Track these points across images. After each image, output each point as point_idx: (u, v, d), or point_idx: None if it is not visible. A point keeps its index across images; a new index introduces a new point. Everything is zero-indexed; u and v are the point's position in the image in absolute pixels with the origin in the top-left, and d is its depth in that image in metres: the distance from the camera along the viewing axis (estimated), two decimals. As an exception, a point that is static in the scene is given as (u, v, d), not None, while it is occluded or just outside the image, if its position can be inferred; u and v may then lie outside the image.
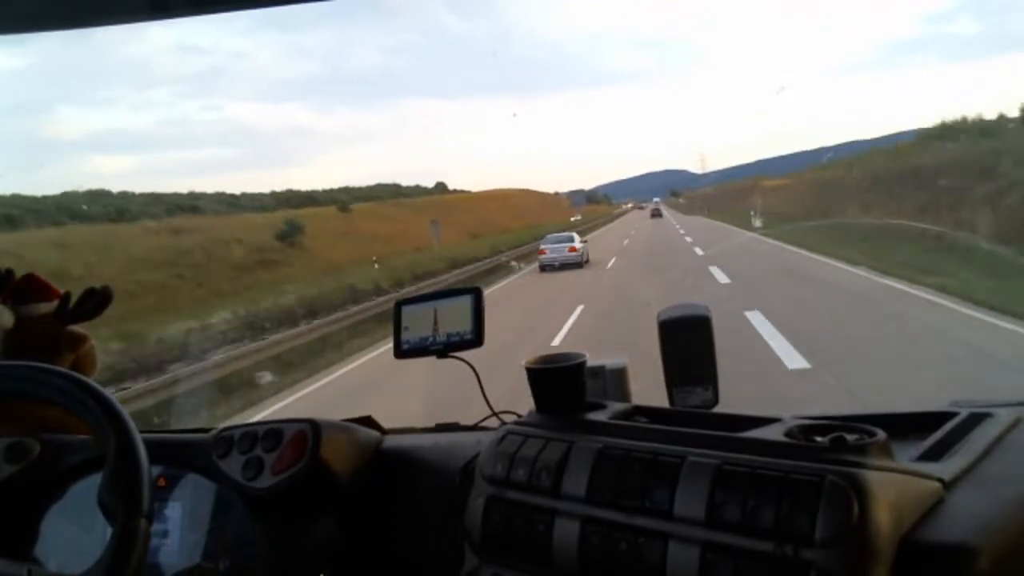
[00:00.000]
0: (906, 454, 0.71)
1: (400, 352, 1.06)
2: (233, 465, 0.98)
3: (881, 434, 0.66)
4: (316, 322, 12.13)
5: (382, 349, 9.15)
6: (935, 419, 0.80)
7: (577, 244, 19.50)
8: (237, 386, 8.22)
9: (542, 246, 19.86)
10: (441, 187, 63.19)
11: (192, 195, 34.14)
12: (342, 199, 40.35)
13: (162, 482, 1.04)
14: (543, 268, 19.06)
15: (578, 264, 18.75)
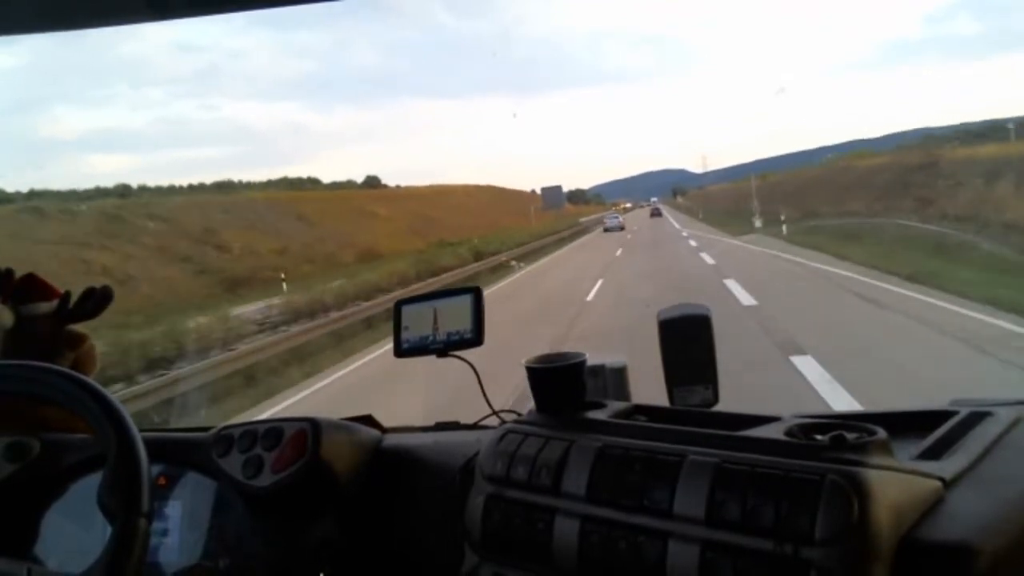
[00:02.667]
0: (906, 453, 0.71)
1: (400, 351, 1.06)
2: (233, 464, 0.98)
3: (881, 433, 0.66)
4: None
5: None
6: (935, 418, 0.80)
7: (620, 219, 42.25)
8: None
9: (605, 218, 42.44)
10: (372, 182, 49.62)
11: None
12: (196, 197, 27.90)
13: (162, 481, 1.04)
14: (606, 230, 38.03)
15: (621, 228, 37.91)
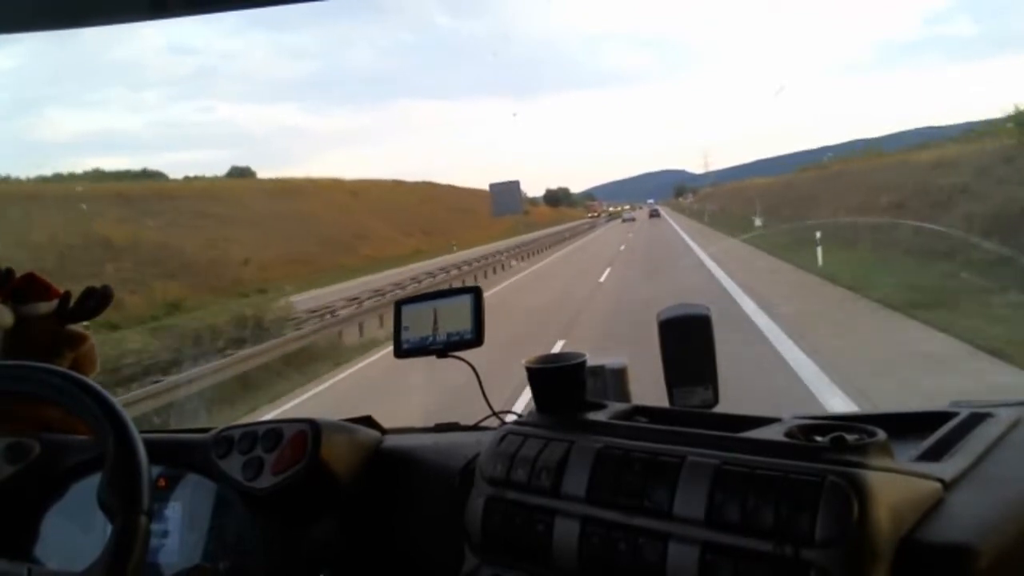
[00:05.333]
0: (906, 454, 0.71)
1: (400, 352, 1.06)
2: (233, 465, 0.98)
3: (881, 434, 0.66)
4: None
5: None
6: (935, 419, 0.80)
7: (634, 214, 58.63)
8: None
9: (624, 213, 61.16)
10: (240, 173, 36.94)
11: None
12: None
13: (162, 482, 1.04)
14: (624, 221, 50.39)
15: (634, 220, 49.42)
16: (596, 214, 68.92)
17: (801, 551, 0.60)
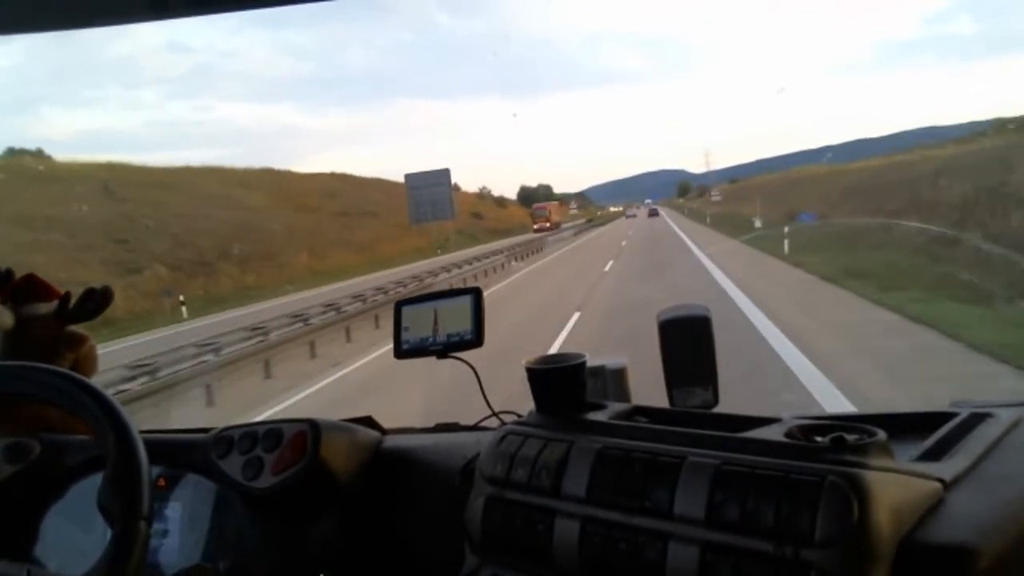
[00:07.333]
0: (906, 454, 0.71)
1: (400, 352, 1.06)
2: (233, 465, 0.98)
3: (881, 434, 0.66)
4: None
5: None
6: (935, 419, 0.80)
7: (636, 212, 70.40)
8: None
9: (627, 211, 73.19)
10: (14, 155, 27.88)
11: None
12: None
13: (162, 482, 1.04)
14: (627, 217, 62.22)
15: (635, 216, 59.33)
16: (548, 224, 39.09)
17: (801, 551, 0.60)
